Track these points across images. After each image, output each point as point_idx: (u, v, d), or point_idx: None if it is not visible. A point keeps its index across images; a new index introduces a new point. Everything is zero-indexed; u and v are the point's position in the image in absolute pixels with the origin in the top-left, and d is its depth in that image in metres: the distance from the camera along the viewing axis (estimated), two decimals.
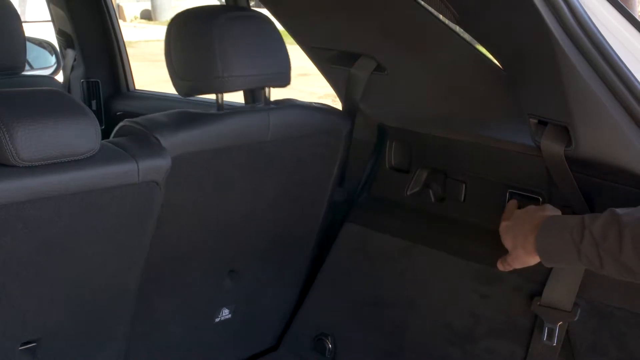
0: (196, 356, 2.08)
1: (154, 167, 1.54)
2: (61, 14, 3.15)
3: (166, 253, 1.77)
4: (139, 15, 16.14)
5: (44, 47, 3.74)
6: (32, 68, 3.66)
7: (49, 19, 3.36)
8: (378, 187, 2.18)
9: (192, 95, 1.77)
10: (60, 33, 3.24)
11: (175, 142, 1.60)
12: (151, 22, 15.62)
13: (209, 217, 1.82)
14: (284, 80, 1.83)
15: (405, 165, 2.11)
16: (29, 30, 2.79)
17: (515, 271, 1.69)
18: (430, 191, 2.05)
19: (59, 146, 1.36)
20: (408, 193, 2.09)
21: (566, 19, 1.42)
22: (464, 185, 1.94)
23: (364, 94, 2.12)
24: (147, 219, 1.62)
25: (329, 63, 2.18)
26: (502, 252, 1.69)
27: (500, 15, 1.57)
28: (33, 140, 1.32)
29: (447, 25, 1.86)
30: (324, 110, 2.02)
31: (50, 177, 1.37)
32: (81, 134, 1.40)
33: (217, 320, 2.05)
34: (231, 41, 1.70)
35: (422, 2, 1.83)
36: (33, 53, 3.63)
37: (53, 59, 3.76)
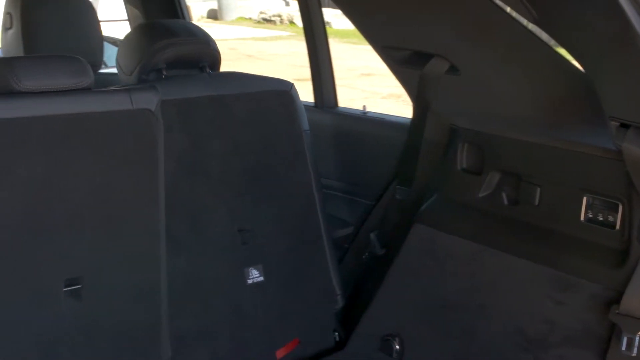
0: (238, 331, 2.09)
1: (145, 97, 1.84)
2: (137, 14, 3.23)
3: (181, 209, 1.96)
4: (205, 15, 16.43)
5: (117, 46, 3.85)
6: (106, 66, 3.77)
7: (119, 18, 3.45)
8: (448, 189, 2.16)
9: None
10: None
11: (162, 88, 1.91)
12: (217, 22, 15.88)
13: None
14: None
15: (477, 168, 2.08)
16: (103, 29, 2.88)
17: (592, 278, 1.65)
18: (503, 194, 2.01)
19: (56, 78, 1.73)
20: (479, 195, 2.06)
21: None
22: (538, 189, 1.90)
23: (435, 95, 2.10)
24: (151, 150, 1.84)
25: (401, 63, 2.17)
26: (578, 258, 1.65)
27: (583, 16, 1.53)
28: (32, 72, 1.70)
29: (524, 26, 1.82)
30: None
31: (49, 99, 1.70)
32: (75, 71, 1.77)
33: (249, 282, 2.08)
34: None
35: (499, 2, 1.79)
36: (108, 52, 3.73)
37: None
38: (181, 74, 2.09)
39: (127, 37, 2.15)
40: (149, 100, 1.84)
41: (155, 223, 1.88)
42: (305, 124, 2.26)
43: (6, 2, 2.65)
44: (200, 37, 2.16)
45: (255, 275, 2.12)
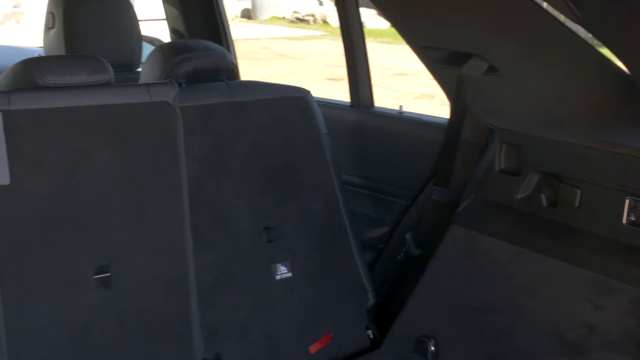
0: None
1: (162, 90, 1.92)
2: (175, 13, 3.26)
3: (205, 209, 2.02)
4: (239, 14, 16.52)
5: (154, 45, 3.89)
6: (142, 65, 3.82)
7: (155, 17, 3.49)
8: (486, 190, 2.14)
9: None
10: (173, 31, 3.35)
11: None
12: (250, 21, 15.96)
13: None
14: None
15: (516, 168, 2.06)
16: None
17: (633, 282, 1.62)
18: (542, 195, 1.99)
19: (76, 74, 1.82)
20: (518, 197, 2.04)
21: None
22: (578, 191, 1.88)
23: (474, 95, 2.08)
24: (171, 141, 1.92)
25: (439, 63, 2.16)
26: (620, 262, 1.62)
27: (630, 16, 1.51)
28: (54, 69, 1.80)
29: (565, 26, 1.80)
30: None
31: (70, 92, 1.79)
32: (94, 68, 1.86)
33: (277, 277, 2.11)
34: None
35: (539, 1, 1.78)
36: (145, 51, 3.79)
37: None
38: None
39: (150, 55, 2.22)
40: (166, 94, 1.92)
41: (180, 212, 1.93)
42: (323, 128, 2.32)
43: (49, 2, 2.70)
44: (216, 51, 2.24)
45: (283, 271, 2.16)
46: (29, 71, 1.77)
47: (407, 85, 9.61)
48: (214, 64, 2.21)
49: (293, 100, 2.28)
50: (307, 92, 2.33)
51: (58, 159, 1.73)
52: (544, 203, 1.98)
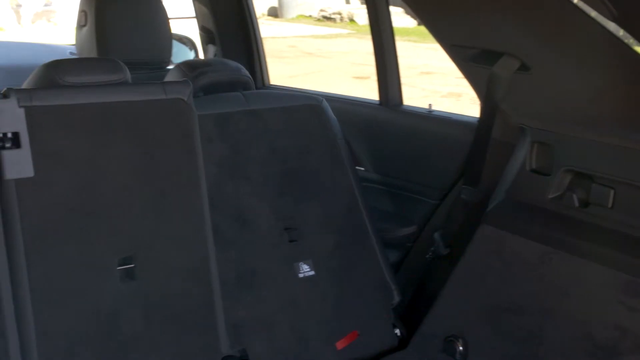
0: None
1: (177, 88, 1.99)
2: (205, 12, 3.28)
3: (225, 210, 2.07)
4: (266, 12, 16.57)
5: (184, 43, 3.92)
6: (172, 63, 3.85)
7: (185, 15, 3.52)
8: (517, 190, 2.12)
9: None
10: (202, 29, 3.38)
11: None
12: (277, 19, 16.00)
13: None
14: None
15: (547, 168, 2.03)
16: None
17: None
18: (574, 196, 1.96)
19: (93, 74, 1.92)
20: (549, 197, 2.02)
21: None
22: (612, 191, 1.85)
23: (505, 94, 2.06)
24: (187, 135, 1.99)
25: (469, 61, 2.14)
26: None
27: None
28: (73, 69, 1.91)
29: (600, 23, 1.77)
30: None
31: (88, 89, 1.88)
32: (111, 69, 1.97)
33: (300, 275, 2.14)
34: None
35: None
36: (174, 48, 3.81)
37: (192, 54, 3.93)
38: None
39: (170, 72, 2.32)
40: (181, 91, 2.00)
41: (199, 204, 1.99)
42: (339, 133, 2.37)
43: (81, 1, 2.74)
44: (232, 66, 2.36)
45: (306, 270, 2.18)
46: (50, 72, 1.87)
47: (434, 84, 9.56)
48: (229, 77, 2.31)
49: (308, 108, 2.34)
50: (321, 100, 2.39)
51: (78, 152, 1.79)
52: (576, 203, 1.96)
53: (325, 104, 2.38)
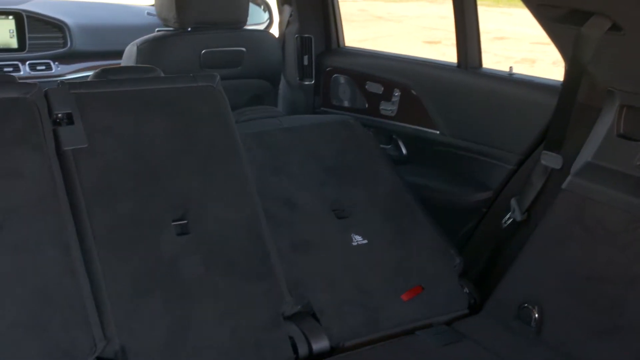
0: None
1: (206, 77, 2.22)
2: None
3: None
4: None
5: (257, 4, 3.92)
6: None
7: None
8: (602, 155, 2.05)
9: None
10: None
11: None
12: None
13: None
14: None
15: (636, 133, 1.96)
16: None
17: None
18: None
19: (131, 73, 2.27)
20: (637, 163, 1.94)
21: None
22: None
23: (593, 56, 1.98)
24: (220, 114, 2.17)
25: (556, 22, 2.06)
26: None
27: None
28: (116, 71, 2.26)
29: None
30: None
31: (127, 81, 2.14)
32: (147, 70, 2.30)
33: (354, 244, 2.22)
34: None
35: None
36: (250, 10, 3.81)
37: (266, 15, 3.93)
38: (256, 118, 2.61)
39: None
40: (210, 79, 2.23)
41: (240, 167, 2.14)
42: (374, 144, 2.58)
43: None
44: None
45: (359, 239, 2.25)
46: (100, 74, 2.22)
47: (508, 50, 9.30)
48: None
49: (339, 124, 2.58)
50: (352, 118, 2.62)
51: (124, 127, 2.01)
52: None
53: (357, 122, 2.60)
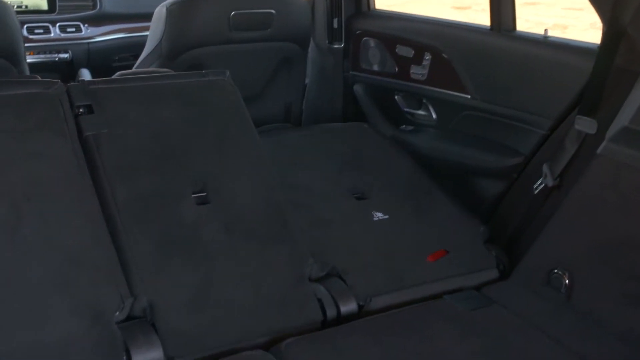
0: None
1: (216, 72, 2.35)
2: None
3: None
4: None
5: None
6: None
7: None
8: (638, 121, 2.00)
9: None
10: None
11: None
12: None
13: None
14: None
15: None
16: None
17: None
18: None
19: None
20: None
21: None
22: None
23: (634, 17, 1.93)
24: (233, 101, 2.28)
25: None
26: None
27: None
28: (129, 73, 2.50)
29: None
30: None
31: (140, 78, 2.34)
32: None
33: (375, 219, 2.31)
34: None
35: None
36: None
37: None
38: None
39: None
40: (221, 74, 2.34)
41: (255, 145, 2.24)
42: (394, 144, 2.73)
43: None
44: None
45: (380, 216, 2.33)
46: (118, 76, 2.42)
47: (539, 15, 9.12)
48: None
49: (350, 127, 2.80)
50: (364, 124, 2.82)
51: (141, 115, 2.15)
52: None
53: (371, 126, 2.80)
